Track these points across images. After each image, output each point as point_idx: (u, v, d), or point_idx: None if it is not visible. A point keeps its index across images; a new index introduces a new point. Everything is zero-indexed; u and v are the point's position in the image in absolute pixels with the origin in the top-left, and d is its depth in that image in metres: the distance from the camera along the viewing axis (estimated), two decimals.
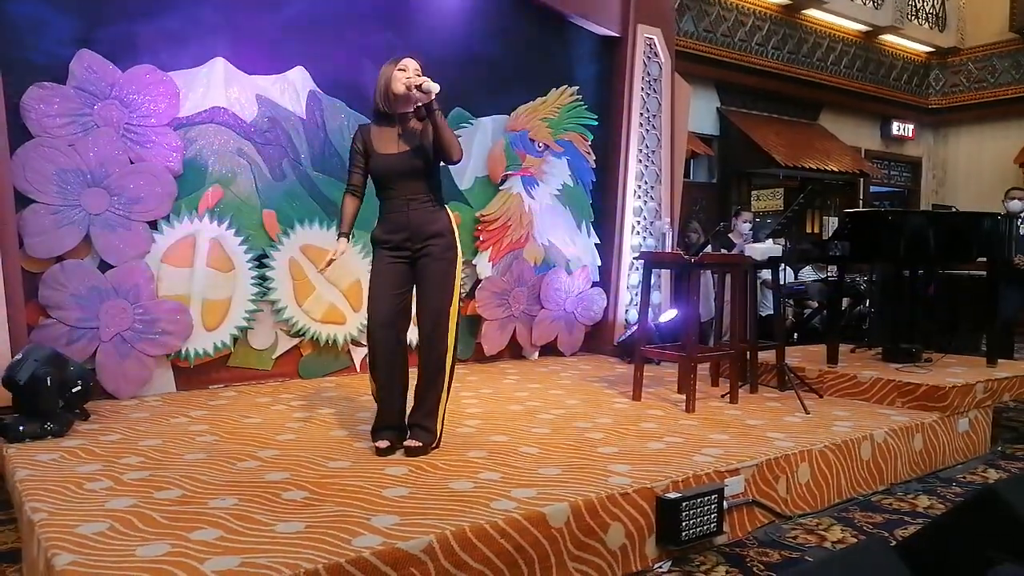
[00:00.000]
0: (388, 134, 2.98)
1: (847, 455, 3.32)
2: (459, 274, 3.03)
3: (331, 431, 3.36)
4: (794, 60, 10.31)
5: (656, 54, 6.01)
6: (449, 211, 3.05)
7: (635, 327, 5.08)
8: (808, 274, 7.68)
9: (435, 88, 2.82)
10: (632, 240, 5.90)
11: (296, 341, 4.57)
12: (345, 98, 4.65)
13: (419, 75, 2.90)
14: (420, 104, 2.89)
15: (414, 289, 3.03)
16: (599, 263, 5.94)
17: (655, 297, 5.77)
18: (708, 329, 5.97)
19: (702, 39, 9.24)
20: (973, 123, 12.48)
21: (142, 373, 4.03)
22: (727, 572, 2.55)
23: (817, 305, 7.36)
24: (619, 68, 5.91)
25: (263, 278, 4.41)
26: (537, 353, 5.68)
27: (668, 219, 5.95)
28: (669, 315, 5.50)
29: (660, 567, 2.58)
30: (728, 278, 4.51)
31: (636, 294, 5.71)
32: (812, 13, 10.34)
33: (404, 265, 2.99)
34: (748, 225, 6.72)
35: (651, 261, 4.40)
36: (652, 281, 4.64)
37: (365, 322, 4.52)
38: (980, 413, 4.12)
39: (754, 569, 2.58)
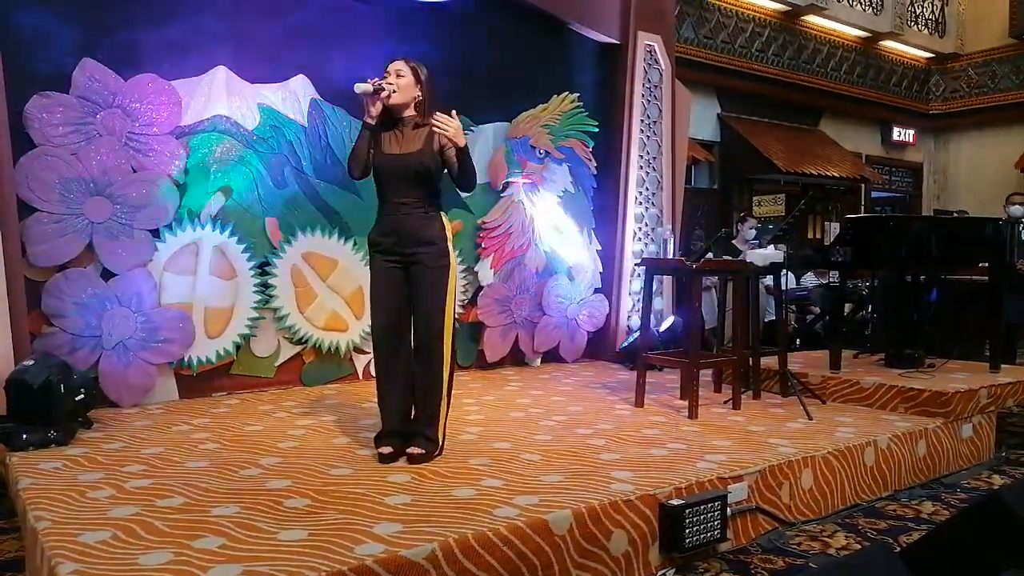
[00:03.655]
0: (392, 137, 3.00)
1: (850, 461, 3.31)
2: (453, 281, 3.01)
3: (333, 439, 3.36)
4: (794, 66, 10.33)
5: (656, 61, 6.02)
6: (445, 218, 3.03)
7: (637, 334, 5.08)
8: (810, 280, 7.69)
9: (386, 89, 2.88)
10: (634, 246, 5.90)
11: (298, 348, 4.57)
12: (346, 106, 4.65)
13: (399, 76, 2.94)
14: (435, 125, 2.91)
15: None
16: (601, 270, 5.94)
17: (657, 303, 5.77)
18: (711, 336, 5.96)
19: (702, 46, 9.26)
20: (974, 128, 12.51)
21: (145, 381, 4.03)
22: None
23: (819, 311, 7.36)
24: (620, 75, 5.92)
25: (265, 286, 4.41)
26: (539, 360, 5.67)
27: (669, 225, 5.95)
28: (667, 323, 5.49)
29: (664, 574, 2.57)
30: (730, 284, 4.51)
31: (638, 300, 5.71)
32: (812, 19, 10.37)
33: (399, 270, 2.99)
34: (753, 232, 6.73)
35: (653, 268, 4.40)
36: (654, 288, 4.64)
37: (367, 329, 4.58)
38: (984, 419, 4.11)
39: None
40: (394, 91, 2.92)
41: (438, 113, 2.90)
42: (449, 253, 3.00)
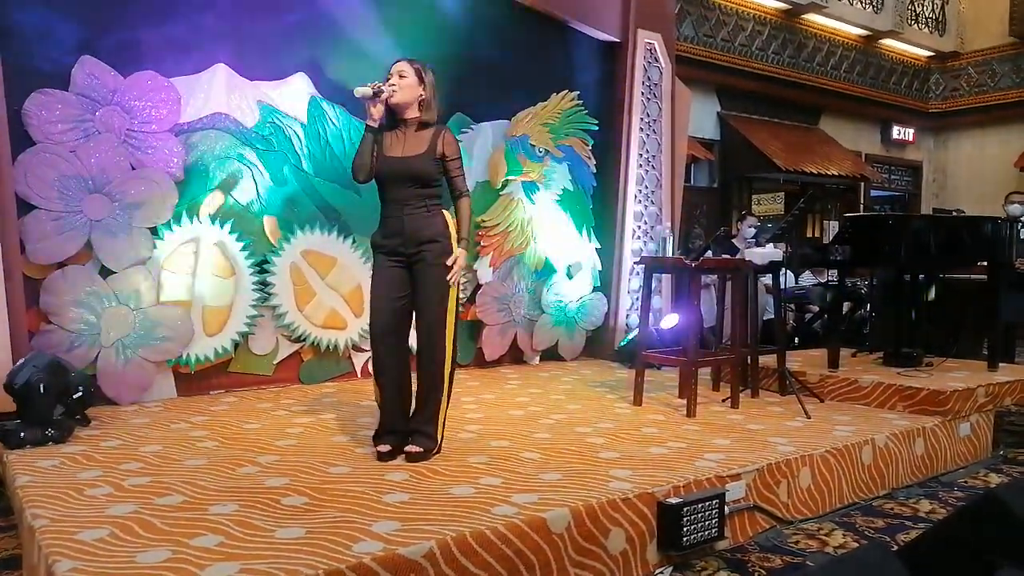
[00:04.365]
0: (394, 138, 3.01)
1: (848, 460, 3.32)
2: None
3: (332, 437, 3.36)
4: (794, 64, 10.33)
5: (656, 59, 6.02)
6: (447, 216, 3.04)
7: (636, 332, 5.08)
8: (809, 278, 7.68)
9: (385, 91, 2.90)
10: (633, 245, 5.90)
11: (297, 346, 4.57)
12: (346, 104, 4.66)
13: (402, 76, 2.95)
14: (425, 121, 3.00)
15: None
16: (600, 268, 5.94)
17: (656, 302, 5.77)
18: (710, 335, 5.95)
19: (702, 44, 9.25)
20: (973, 127, 12.50)
21: (143, 379, 4.03)
22: None
23: (818, 309, 7.36)
24: (619, 73, 5.92)
25: (264, 283, 4.41)
26: (538, 358, 5.68)
27: (669, 224, 5.95)
28: (670, 321, 5.46)
29: (661, 572, 2.58)
30: (729, 283, 4.51)
31: (637, 299, 5.71)
32: (812, 17, 10.36)
33: (402, 269, 2.99)
34: (753, 230, 6.71)
35: (652, 266, 4.40)
36: (653, 286, 4.63)
37: (366, 327, 4.57)
38: (981, 417, 4.12)
39: (755, 574, 2.57)
40: (395, 91, 2.93)
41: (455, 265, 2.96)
42: (452, 251, 3.00)
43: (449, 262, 2.96)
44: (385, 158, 2.97)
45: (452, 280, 2.97)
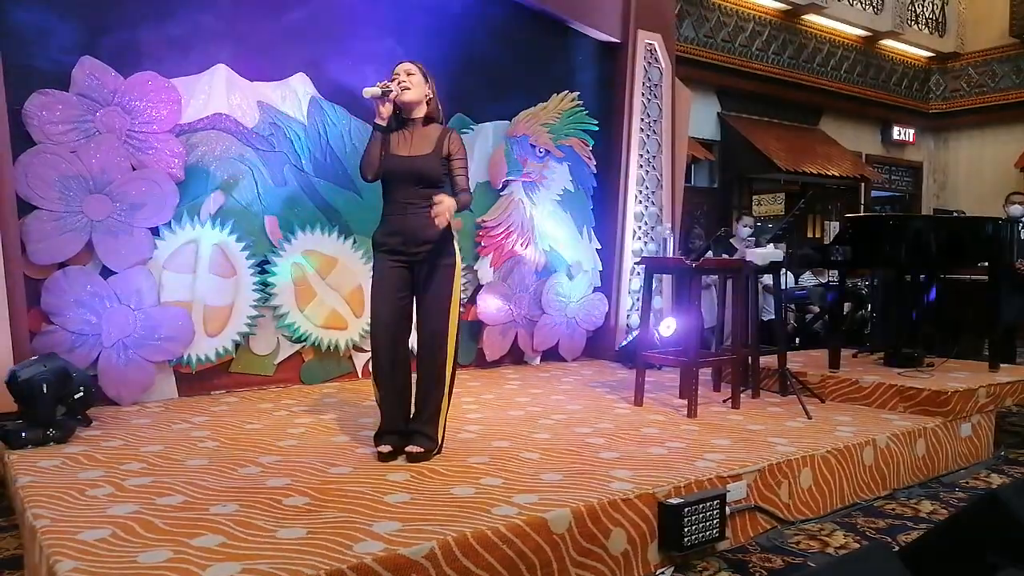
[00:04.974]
0: (401, 137, 3.02)
1: (849, 460, 3.32)
2: (458, 280, 3.03)
3: (333, 437, 3.36)
4: (794, 65, 10.33)
5: (657, 60, 6.02)
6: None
7: (636, 332, 5.07)
8: (809, 279, 7.69)
9: (395, 90, 2.91)
10: (633, 245, 5.90)
11: (298, 347, 4.57)
12: (347, 105, 4.66)
13: (409, 74, 2.97)
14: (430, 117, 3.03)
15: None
16: (600, 268, 5.94)
17: (656, 302, 5.77)
18: (710, 335, 5.96)
19: (702, 44, 9.26)
20: (974, 127, 12.50)
21: (144, 379, 4.03)
22: None
23: (818, 310, 7.36)
24: (620, 74, 5.92)
25: (265, 284, 4.41)
26: (539, 358, 5.67)
27: (669, 224, 5.95)
28: (668, 326, 5.39)
29: (662, 573, 2.58)
30: (729, 283, 4.51)
31: (638, 299, 5.71)
32: (812, 18, 10.36)
33: (403, 269, 3.00)
34: (748, 230, 6.73)
35: (652, 266, 4.40)
36: (653, 286, 4.64)
37: (366, 328, 4.58)
38: (983, 418, 4.12)
39: (756, 575, 2.57)
40: (407, 88, 2.94)
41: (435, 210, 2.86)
42: (455, 252, 3.01)
43: (434, 212, 2.82)
44: (392, 157, 2.98)
45: (435, 214, 2.82)
